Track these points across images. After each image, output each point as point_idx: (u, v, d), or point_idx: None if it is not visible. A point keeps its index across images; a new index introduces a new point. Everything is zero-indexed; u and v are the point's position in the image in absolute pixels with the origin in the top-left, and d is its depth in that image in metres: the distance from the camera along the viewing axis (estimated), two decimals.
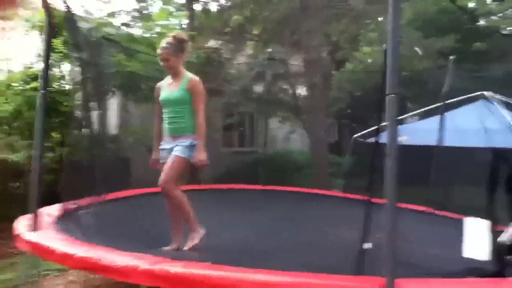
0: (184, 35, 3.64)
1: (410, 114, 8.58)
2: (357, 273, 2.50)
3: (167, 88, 3.58)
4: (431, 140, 6.17)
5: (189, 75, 3.53)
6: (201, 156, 3.42)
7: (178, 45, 3.50)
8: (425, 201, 5.94)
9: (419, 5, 10.14)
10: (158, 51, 3.53)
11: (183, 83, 3.48)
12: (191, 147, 3.43)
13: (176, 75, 3.54)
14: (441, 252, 3.60)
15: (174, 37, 3.53)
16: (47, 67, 3.52)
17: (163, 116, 3.60)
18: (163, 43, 3.53)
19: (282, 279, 2.34)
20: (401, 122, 8.87)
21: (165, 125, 3.59)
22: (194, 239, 3.45)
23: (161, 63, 3.53)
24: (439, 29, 10.14)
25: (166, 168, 3.40)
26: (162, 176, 3.39)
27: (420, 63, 8.75)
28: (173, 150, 3.46)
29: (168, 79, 3.65)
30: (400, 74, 7.02)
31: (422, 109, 8.02)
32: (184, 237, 3.55)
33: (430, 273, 2.66)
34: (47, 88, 3.54)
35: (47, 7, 3.37)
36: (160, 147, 3.62)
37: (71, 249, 2.70)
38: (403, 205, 5.72)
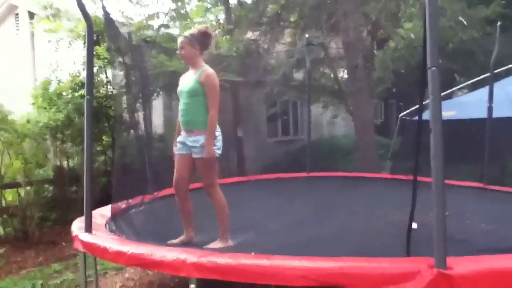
0: (209, 29, 3.61)
1: (458, 87, 8.27)
2: (406, 254, 2.46)
3: (184, 80, 3.59)
4: (482, 113, 5.90)
5: (205, 67, 3.49)
6: (208, 153, 3.37)
7: (199, 37, 3.50)
8: (479, 177, 5.70)
9: None
10: (178, 40, 3.55)
11: (197, 75, 3.45)
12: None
13: (194, 66, 3.52)
14: (495, 228, 3.46)
15: (198, 30, 3.55)
16: (91, 73, 3.64)
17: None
18: (186, 33, 3.57)
19: (328, 265, 2.34)
20: (449, 96, 8.59)
21: (179, 118, 3.60)
22: (220, 243, 3.43)
23: (178, 52, 3.54)
24: None
25: (202, 174, 3.45)
26: (203, 183, 3.46)
27: (466, 33, 8.36)
28: (191, 150, 3.46)
29: (188, 72, 3.64)
30: (444, 47, 6.80)
31: (470, 81, 7.71)
32: (196, 232, 3.59)
33: (482, 249, 2.57)
34: (93, 94, 3.69)
35: (85, 15, 3.47)
36: (177, 139, 3.63)
37: (123, 247, 2.82)
38: (456, 182, 5.55)
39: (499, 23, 5.93)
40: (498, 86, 6.22)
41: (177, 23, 8.83)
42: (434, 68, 2.26)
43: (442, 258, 2.14)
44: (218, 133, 3.48)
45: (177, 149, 3.59)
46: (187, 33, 3.56)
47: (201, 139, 3.40)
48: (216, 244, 3.42)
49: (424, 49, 2.31)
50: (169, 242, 3.47)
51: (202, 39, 3.52)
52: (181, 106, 3.54)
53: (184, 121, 3.52)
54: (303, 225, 3.88)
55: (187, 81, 3.52)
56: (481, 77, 6.89)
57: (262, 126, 12.27)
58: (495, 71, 5.97)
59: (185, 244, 3.48)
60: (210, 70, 3.48)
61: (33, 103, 7.13)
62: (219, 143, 3.49)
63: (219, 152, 3.48)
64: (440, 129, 2.23)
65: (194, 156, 3.44)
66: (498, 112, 5.80)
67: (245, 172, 9.32)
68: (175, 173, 3.57)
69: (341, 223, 3.93)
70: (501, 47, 5.80)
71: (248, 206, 4.62)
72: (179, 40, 3.52)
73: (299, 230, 3.72)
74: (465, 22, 7.93)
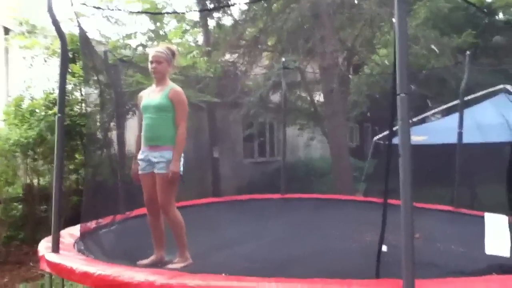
0: (175, 48, 3.66)
1: (430, 112, 8.48)
2: (375, 277, 2.47)
3: (149, 95, 3.56)
4: (453, 138, 6.05)
5: (173, 85, 3.51)
6: (174, 167, 3.34)
7: (170, 54, 3.54)
8: (450, 201, 5.81)
9: (433, 4, 10.02)
10: (152, 53, 3.53)
11: (165, 91, 3.45)
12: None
13: (161, 82, 3.51)
14: (464, 251, 3.52)
15: (169, 47, 3.60)
16: (63, 91, 3.61)
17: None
18: (158, 48, 3.59)
19: (299, 287, 2.33)
20: (422, 121, 8.80)
21: (142, 134, 3.55)
22: (181, 262, 3.40)
23: (151, 66, 3.51)
24: (456, 25, 10.03)
25: (159, 189, 3.39)
26: (160, 198, 3.39)
27: (438, 61, 8.63)
28: (155, 166, 3.41)
29: (151, 88, 3.63)
30: (416, 74, 6.97)
31: (441, 107, 7.92)
32: (166, 251, 3.54)
33: (451, 272, 2.61)
34: (65, 112, 3.64)
35: (60, 33, 3.46)
36: (138, 157, 3.58)
37: (90, 268, 2.74)
38: (427, 205, 5.64)
39: (468, 52, 6.14)
40: (468, 112, 6.40)
41: (155, 43, 8.83)
42: (403, 94, 2.32)
43: (411, 281, 2.16)
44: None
45: (140, 169, 3.54)
46: (160, 48, 3.57)
47: (166, 154, 3.37)
48: (177, 264, 3.38)
49: (394, 76, 2.37)
50: (139, 262, 3.41)
51: (174, 57, 3.57)
52: (146, 121, 3.49)
53: (150, 136, 3.47)
54: (275, 246, 3.88)
55: (153, 96, 3.50)
56: (451, 104, 7.09)
57: (238, 147, 12.28)
58: (465, 98, 6.15)
59: (156, 264, 3.42)
60: (178, 87, 3.50)
61: (4, 120, 6.99)
62: (182, 160, 3.47)
63: (182, 169, 3.45)
64: (409, 153, 2.28)
65: (157, 171, 3.39)
66: (468, 138, 5.96)
67: (220, 192, 9.28)
68: (145, 193, 3.53)
69: (313, 244, 3.93)
70: (470, 75, 5.98)
71: (221, 227, 4.59)
72: (155, 53, 3.50)
73: (271, 251, 3.72)
74: (437, 50, 8.18)
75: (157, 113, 3.44)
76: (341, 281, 2.40)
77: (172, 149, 3.38)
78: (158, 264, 3.43)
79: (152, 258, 3.51)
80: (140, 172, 3.55)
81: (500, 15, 11.89)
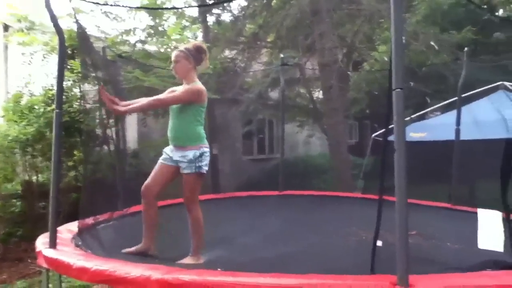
0: (203, 45, 3.60)
1: (429, 109, 8.47)
2: (370, 272, 2.49)
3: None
4: (452, 135, 6.06)
5: (196, 82, 3.44)
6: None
7: (194, 52, 3.49)
8: (447, 197, 5.82)
9: (433, 0, 9.99)
10: (173, 53, 3.53)
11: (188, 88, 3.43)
12: (196, 159, 3.38)
13: (186, 81, 3.48)
14: (460, 247, 3.54)
15: (193, 44, 3.55)
16: (61, 87, 3.63)
17: None
18: (181, 47, 3.56)
19: (294, 282, 2.34)
20: (422, 117, 8.80)
21: (168, 133, 3.56)
22: (192, 259, 3.38)
23: (172, 66, 3.52)
24: (456, 22, 9.99)
25: (184, 189, 3.42)
26: (184, 197, 3.43)
27: (438, 57, 8.61)
28: (176, 164, 3.44)
29: (181, 87, 3.59)
30: (416, 71, 6.97)
31: (440, 104, 7.91)
32: (155, 244, 3.52)
33: (446, 268, 2.62)
34: (62, 108, 3.65)
35: (58, 29, 3.46)
36: (164, 150, 3.60)
37: (87, 263, 2.76)
38: (424, 202, 5.66)
39: (466, 49, 6.13)
40: (466, 109, 6.41)
41: (154, 40, 8.83)
42: (398, 89, 2.33)
43: (404, 276, 2.17)
44: (207, 149, 3.47)
45: (162, 158, 3.56)
46: (182, 47, 3.56)
47: (189, 154, 3.37)
48: (188, 260, 3.37)
49: (391, 72, 2.38)
50: (124, 250, 3.40)
51: (197, 54, 3.50)
52: (170, 121, 3.52)
53: (173, 136, 3.50)
54: (272, 242, 3.89)
55: None
56: (449, 100, 7.09)
57: (238, 144, 12.30)
58: (463, 95, 6.14)
59: (142, 253, 3.41)
60: (197, 85, 3.43)
61: (3, 116, 7.00)
62: (207, 159, 3.46)
63: (206, 168, 3.46)
64: (404, 149, 2.29)
65: (183, 171, 3.40)
66: (466, 134, 5.96)
67: (219, 189, 9.29)
68: (149, 178, 3.52)
69: (310, 240, 3.94)
70: (469, 71, 5.98)
71: (219, 223, 4.60)
72: (174, 53, 3.49)
73: (268, 247, 3.72)
74: (436, 47, 8.17)
75: (178, 114, 3.46)
76: (336, 277, 2.42)
77: (194, 149, 3.39)
78: (144, 254, 3.41)
79: (138, 246, 3.49)
80: (161, 160, 3.56)
81: (500, 11, 11.85)
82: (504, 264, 2.62)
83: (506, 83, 6.80)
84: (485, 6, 10.54)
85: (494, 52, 9.65)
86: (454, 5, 9.94)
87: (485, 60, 8.56)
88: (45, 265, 3.16)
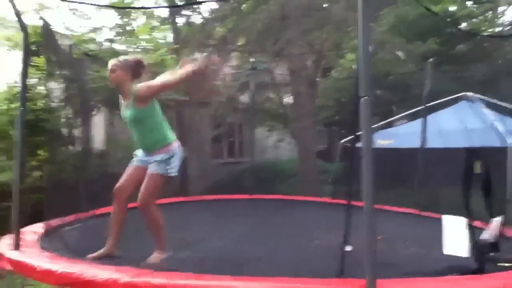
0: (144, 61, 3.54)
1: (395, 117, 8.66)
2: (339, 276, 2.52)
3: (123, 107, 3.49)
4: (417, 143, 6.22)
5: (135, 87, 3.33)
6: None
7: (134, 65, 3.42)
8: (412, 203, 5.97)
9: (400, 11, 10.25)
10: (110, 62, 3.43)
11: (130, 100, 3.34)
12: (165, 161, 3.34)
13: (123, 93, 3.42)
14: (425, 252, 3.63)
15: (134, 58, 3.49)
16: (25, 84, 3.53)
17: None
18: (120, 58, 3.47)
19: (261, 285, 2.35)
20: (389, 125, 8.99)
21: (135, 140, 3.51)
22: (157, 258, 3.31)
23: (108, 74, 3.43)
24: (421, 33, 10.27)
25: (143, 186, 3.34)
26: (140, 194, 3.33)
27: (403, 67, 8.85)
28: (148, 166, 3.39)
29: (123, 102, 3.52)
30: (381, 79, 7.12)
31: (406, 113, 8.11)
32: (118, 247, 3.45)
33: (412, 272, 2.69)
34: (31, 106, 3.56)
35: (21, 24, 3.38)
36: (134, 153, 3.57)
37: (52, 266, 2.68)
38: (390, 208, 5.79)
39: (430, 59, 6.32)
40: (431, 118, 6.59)
41: (122, 39, 8.71)
42: (365, 97, 2.38)
43: (373, 280, 2.21)
44: (177, 148, 3.43)
45: (135, 160, 3.52)
46: (121, 57, 3.47)
47: (158, 157, 3.34)
48: (155, 259, 3.31)
49: (357, 80, 2.43)
50: (88, 256, 3.30)
51: (135, 68, 3.42)
52: (133, 131, 3.46)
53: (139, 145, 3.47)
54: (239, 245, 3.89)
55: (126, 111, 3.43)
56: (415, 109, 7.27)
57: (207, 147, 12.24)
58: (427, 105, 6.32)
59: (106, 256, 3.32)
60: (139, 84, 3.35)
61: None
62: (176, 162, 3.41)
63: (175, 172, 3.41)
64: (371, 155, 2.33)
65: (149, 169, 3.35)
66: (431, 142, 6.13)
67: (187, 192, 9.22)
68: (121, 179, 3.46)
69: (278, 244, 3.96)
70: (434, 82, 6.16)
71: (187, 226, 4.57)
72: (111, 62, 3.40)
73: (236, 250, 3.72)
74: (401, 56, 8.38)
75: (136, 126, 3.39)
76: (304, 280, 2.44)
77: (163, 151, 3.35)
78: (108, 257, 3.32)
79: (101, 250, 3.39)
80: (133, 162, 3.52)
81: (463, 24, 12.26)
82: (468, 269, 2.71)
83: (469, 94, 7.02)
84: (448, 19, 10.89)
85: (458, 63, 9.99)
86: (419, 17, 10.22)
87: (449, 71, 8.85)
88: (8, 267, 3.06)
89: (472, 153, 3.15)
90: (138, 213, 3.36)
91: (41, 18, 4.35)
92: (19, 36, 6.89)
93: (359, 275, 2.29)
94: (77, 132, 5.58)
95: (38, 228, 3.90)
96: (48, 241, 3.61)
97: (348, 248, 2.67)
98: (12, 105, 6.54)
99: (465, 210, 2.91)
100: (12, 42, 7.14)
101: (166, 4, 10.75)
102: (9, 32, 7.31)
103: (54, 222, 4.01)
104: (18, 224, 3.21)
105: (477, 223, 3.29)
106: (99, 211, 4.82)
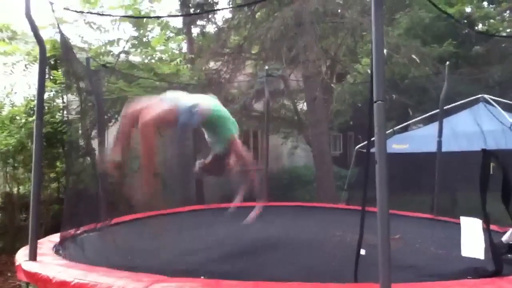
0: None
1: (411, 121, 8.58)
2: (354, 280, 2.50)
3: None
4: (433, 147, 6.14)
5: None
6: None
7: None
8: (430, 208, 5.88)
9: (415, 14, 10.20)
10: None
11: None
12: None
13: None
14: (441, 254, 3.58)
15: None
16: (42, 98, 3.59)
17: None
18: None
19: None
20: (405, 129, 8.91)
21: None
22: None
23: None
24: (437, 35, 10.20)
25: None
26: None
27: (419, 70, 8.77)
28: None
29: None
30: (398, 83, 7.07)
31: (422, 116, 8.03)
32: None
33: (429, 275, 2.66)
34: (43, 119, 3.62)
35: (38, 38, 3.45)
36: None
37: (68, 276, 2.71)
38: (406, 213, 5.72)
39: (447, 63, 6.25)
40: (448, 121, 6.51)
41: (138, 50, 8.82)
42: (379, 102, 2.36)
43: (387, 284, 2.19)
44: None
45: None
46: None
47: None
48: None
49: (371, 84, 2.41)
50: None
51: None
52: None
53: None
54: (255, 251, 3.88)
55: None
56: (431, 113, 7.20)
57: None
58: (444, 108, 6.25)
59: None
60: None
61: None
62: None
63: None
64: (385, 160, 2.31)
65: None
66: (447, 146, 6.05)
67: (204, 201, 9.26)
68: None
69: (293, 249, 3.95)
70: (450, 84, 6.09)
71: (203, 233, 4.61)
72: None
73: (251, 256, 3.72)
74: (418, 60, 8.31)
75: None
76: (320, 284, 2.43)
77: None
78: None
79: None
80: None
81: (480, 26, 12.12)
82: (484, 272, 2.66)
83: (486, 96, 6.93)
84: (465, 21, 10.78)
85: (474, 65, 9.87)
86: (435, 19, 10.14)
87: (466, 73, 8.74)
88: (24, 279, 3.10)
89: (489, 154, 3.08)
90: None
91: (59, 31, 4.43)
92: (37, 50, 7.05)
93: (375, 279, 2.26)
94: (94, 143, 5.65)
95: (55, 238, 3.95)
96: (64, 248, 3.65)
97: (363, 252, 2.64)
98: (30, 118, 6.66)
99: (482, 213, 2.86)
100: (32, 57, 7.28)
101: (180, 14, 10.88)
102: (29, 46, 7.46)
103: (71, 231, 4.06)
104: (35, 234, 3.26)
105: (494, 227, 3.23)
106: (113, 221, 4.88)
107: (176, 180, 9.94)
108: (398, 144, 7.31)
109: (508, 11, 12.46)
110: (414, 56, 8.44)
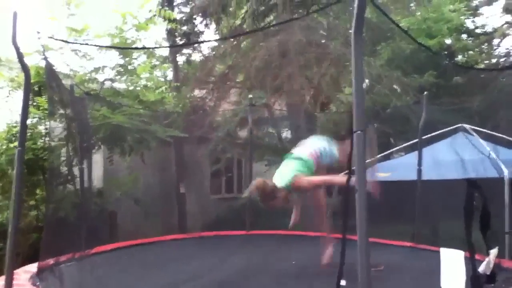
0: None
1: (393, 149, 8.69)
2: None
3: None
4: (415, 175, 6.22)
5: None
6: None
7: None
8: (411, 237, 5.91)
9: (396, 45, 10.44)
10: None
11: None
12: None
13: None
14: (422, 285, 3.59)
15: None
16: (25, 124, 3.57)
17: None
18: None
19: None
20: (387, 158, 9.00)
21: None
22: None
23: None
24: (418, 66, 10.43)
25: None
26: None
27: (400, 100, 8.94)
28: None
29: None
30: (379, 112, 7.19)
31: (403, 145, 8.14)
32: None
33: None
34: (31, 146, 3.60)
35: (23, 65, 3.45)
36: None
37: None
38: (388, 241, 5.74)
39: (425, 93, 6.40)
40: (428, 150, 6.62)
41: (123, 78, 8.84)
42: (359, 131, 2.40)
43: None
44: None
45: None
46: None
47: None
48: None
49: (351, 114, 2.46)
50: None
51: None
52: None
53: None
54: (236, 281, 3.85)
55: None
56: (412, 141, 7.30)
57: (206, 182, 12.22)
58: (424, 137, 6.36)
59: None
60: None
61: None
62: None
63: None
64: (364, 189, 2.34)
65: None
66: (428, 175, 6.13)
67: (186, 229, 9.18)
68: None
69: (275, 278, 3.93)
70: (429, 114, 6.21)
71: (186, 263, 4.55)
72: None
73: (232, 286, 3.68)
74: (398, 90, 8.49)
75: None
76: None
77: None
78: None
79: None
80: None
81: (460, 57, 12.46)
82: None
83: (466, 125, 7.07)
84: (445, 52, 11.08)
85: (455, 95, 10.10)
86: (416, 51, 10.39)
87: (446, 103, 8.93)
88: None
89: (473, 184, 3.14)
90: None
91: (44, 58, 4.45)
92: (21, 77, 7.03)
93: None
94: (76, 170, 5.60)
95: (32, 268, 3.87)
96: (41, 279, 3.57)
97: (343, 282, 2.64)
98: (11, 145, 6.59)
99: (465, 243, 2.89)
100: (16, 83, 7.25)
101: (166, 44, 10.99)
102: (13, 73, 7.44)
103: (49, 261, 3.98)
104: (12, 265, 3.18)
105: (477, 256, 3.25)
106: (95, 250, 4.80)
107: (158, 207, 9.84)
108: (381, 173, 7.37)
109: (486, 44, 12.87)
110: (395, 86, 8.63)
